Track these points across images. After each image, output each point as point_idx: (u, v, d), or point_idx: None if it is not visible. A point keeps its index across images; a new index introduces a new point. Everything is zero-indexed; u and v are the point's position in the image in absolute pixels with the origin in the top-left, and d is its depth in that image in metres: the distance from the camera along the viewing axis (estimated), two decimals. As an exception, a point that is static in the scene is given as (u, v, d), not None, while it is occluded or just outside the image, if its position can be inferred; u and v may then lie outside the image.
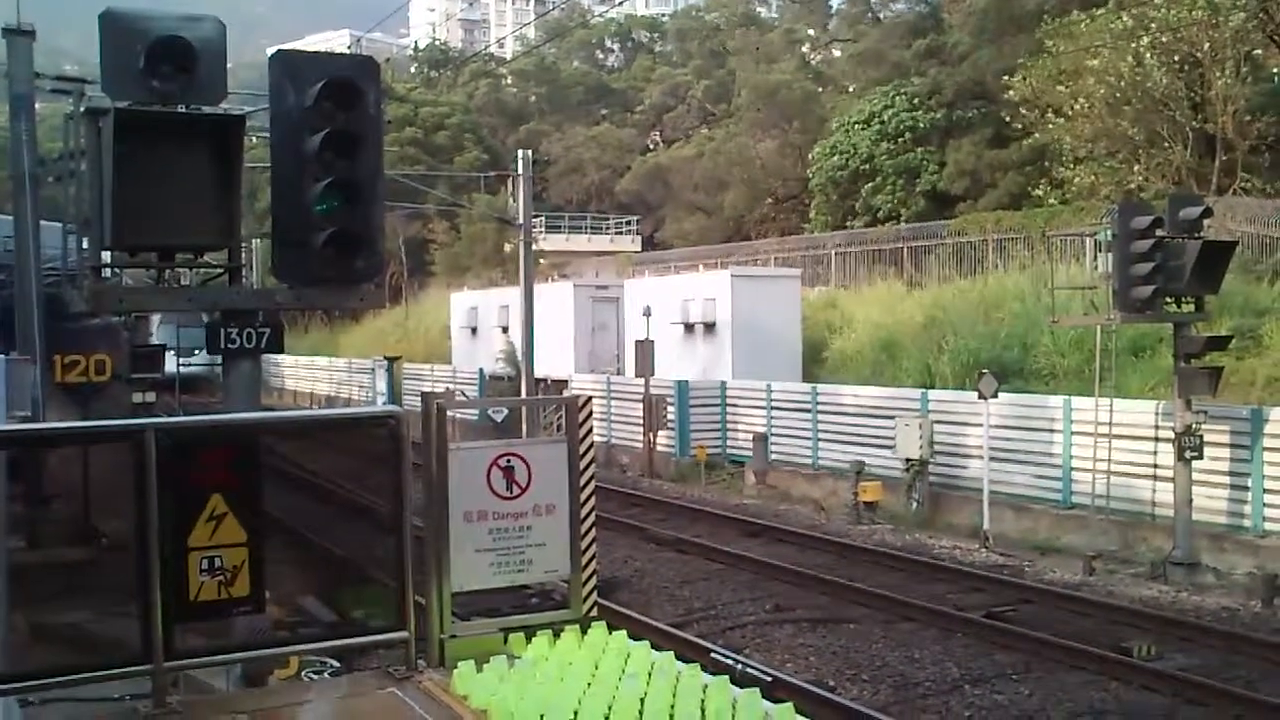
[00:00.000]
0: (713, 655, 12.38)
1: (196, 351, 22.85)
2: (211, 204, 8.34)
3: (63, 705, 5.64)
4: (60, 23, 55.37)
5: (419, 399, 6.33)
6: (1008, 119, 35.98)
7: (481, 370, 36.97)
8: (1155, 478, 17.80)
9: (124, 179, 7.86)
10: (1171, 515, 16.66)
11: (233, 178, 8.39)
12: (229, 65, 8.64)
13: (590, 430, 6.60)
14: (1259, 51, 30.56)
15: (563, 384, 32.12)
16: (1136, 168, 30.96)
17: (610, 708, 5.19)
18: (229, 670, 7.35)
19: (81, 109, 8.42)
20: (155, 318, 24.53)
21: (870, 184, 43.22)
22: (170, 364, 20.90)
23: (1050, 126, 32.39)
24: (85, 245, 8.51)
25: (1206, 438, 16.36)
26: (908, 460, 21.08)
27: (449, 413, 6.32)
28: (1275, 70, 31.74)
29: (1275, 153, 30.66)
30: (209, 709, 5.42)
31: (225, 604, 5.53)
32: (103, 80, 8.07)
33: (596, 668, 5.82)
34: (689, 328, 30.93)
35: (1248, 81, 30.60)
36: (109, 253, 8.59)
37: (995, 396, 19.02)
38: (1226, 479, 17.07)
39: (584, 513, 6.50)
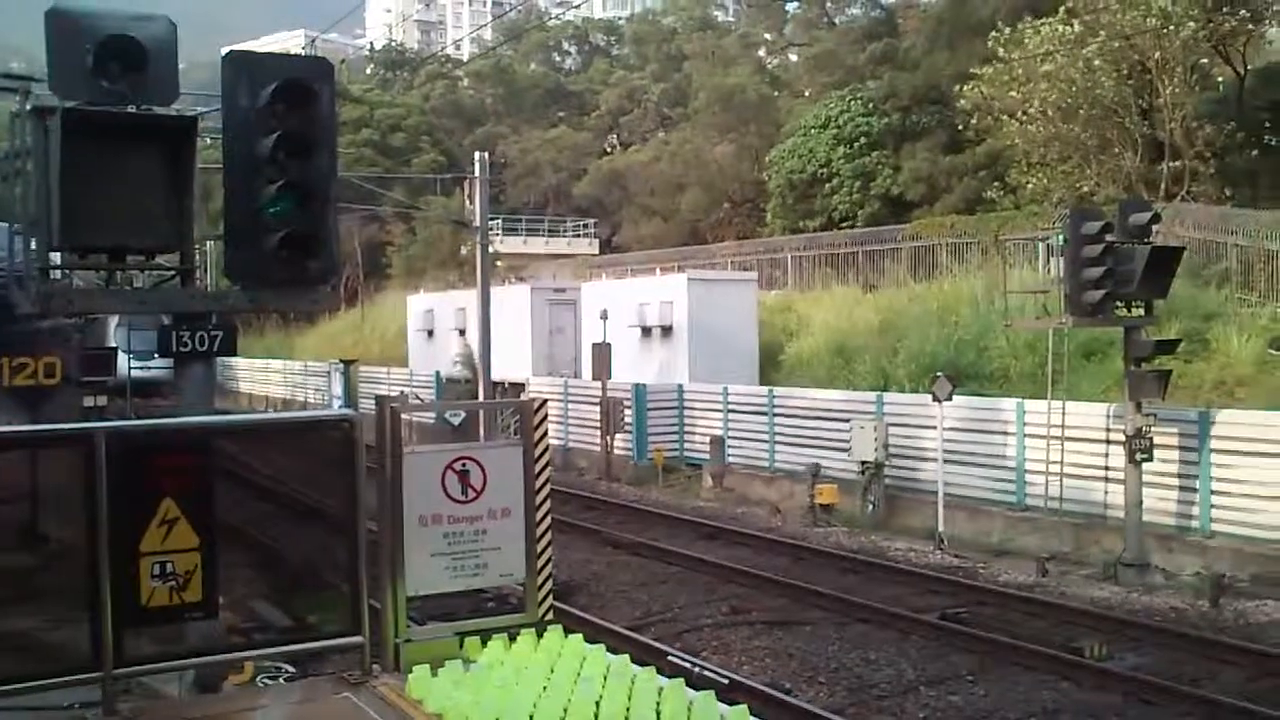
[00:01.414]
0: (670, 658, 12.40)
1: (156, 355, 22.52)
2: (164, 205, 8.24)
3: (11, 714, 5.55)
4: (8, 19, 54.55)
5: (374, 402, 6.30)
6: (961, 127, 36.34)
7: (437, 373, 36.81)
8: (1107, 479, 18.02)
9: (72, 179, 7.75)
10: (1123, 517, 16.88)
11: (185, 179, 8.29)
12: (182, 65, 8.54)
13: (546, 433, 6.60)
14: (1205, 60, 31.08)
15: (520, 387, 32.05)
16: (1088, 172, 31.40)
17: (566, 711, 5.20)
18: (181, 676, 7.27)
19: (28, 108, 8.28)
20: (112, 321, 24.18)
21: (828, 185, 43.52)
22: (124, 367, 20.62)
23: (1004, 130, 32.74)
24: (33, 246, 8.37)
25: (1156, 440, 16.60)
26: (863, 463, 21.22)
27: (406, 416, 6.30)
28: (1221, 79, 32.33)
29: (1222, 160, 31.19)
30: (161, 715, 5.37)
31: (177, 609, 5.49)
32: (50, 79, 7.95)
33: (552, 671, 5.82)
34: (646, 331, 30.97)
35: (1196, 90, 31.12)
36: (58, 254, 8.46)
37: (949, 399, 19.19)
38: (1175, 481, 17.32)
39: (540, 516, 6.50)
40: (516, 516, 6.42)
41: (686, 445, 27.78)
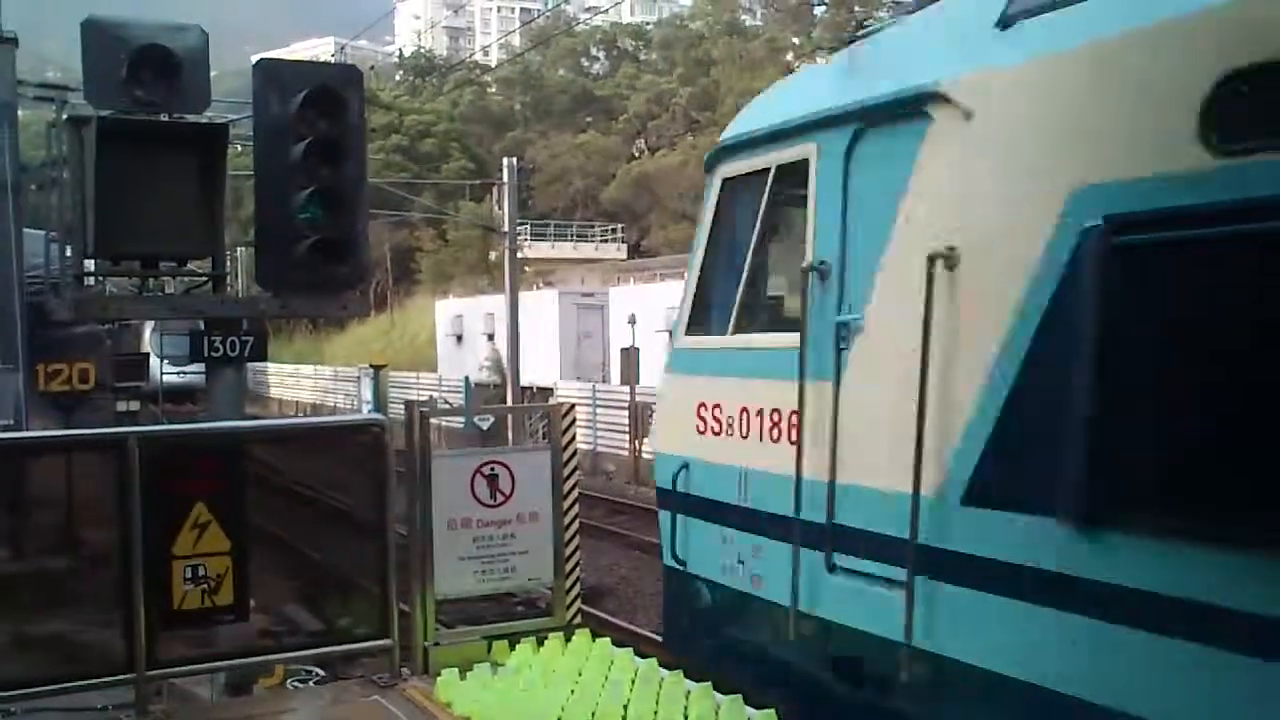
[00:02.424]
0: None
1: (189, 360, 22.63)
2: (195, 212, 8.34)
3: (46, 715, 5.62)
4: (44, 29, 55.25)
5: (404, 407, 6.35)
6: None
7: (467, 378, 36.96)
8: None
9: (107, 187, 7.85)
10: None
11: (217, 186, 8.39)
12: (213, 74, 8.64)
13: (574, 437, 6.62)
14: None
15: (548, 391, 32.12)
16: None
17: (593, 714, 5.22)
18: (213, 679, 7.34)
19: (64, 117, 8.40)
20: (147, 326, 24.43)
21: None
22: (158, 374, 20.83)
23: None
24: (68, 253, 8.48)
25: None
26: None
27: (435, 421, 6.35)
28: None
29: None
30: (193, 717, 5.43)
31: (209, 612, 5.54)
32: (85, 89, 8.06)
33: (580, 675, 5.84)
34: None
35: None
36: (92, 261, 8.57)
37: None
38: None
39: (568, 520, 6.53)
40: (545, 520, 6.44)
41: (715, 449, 27.70)
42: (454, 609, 7.15)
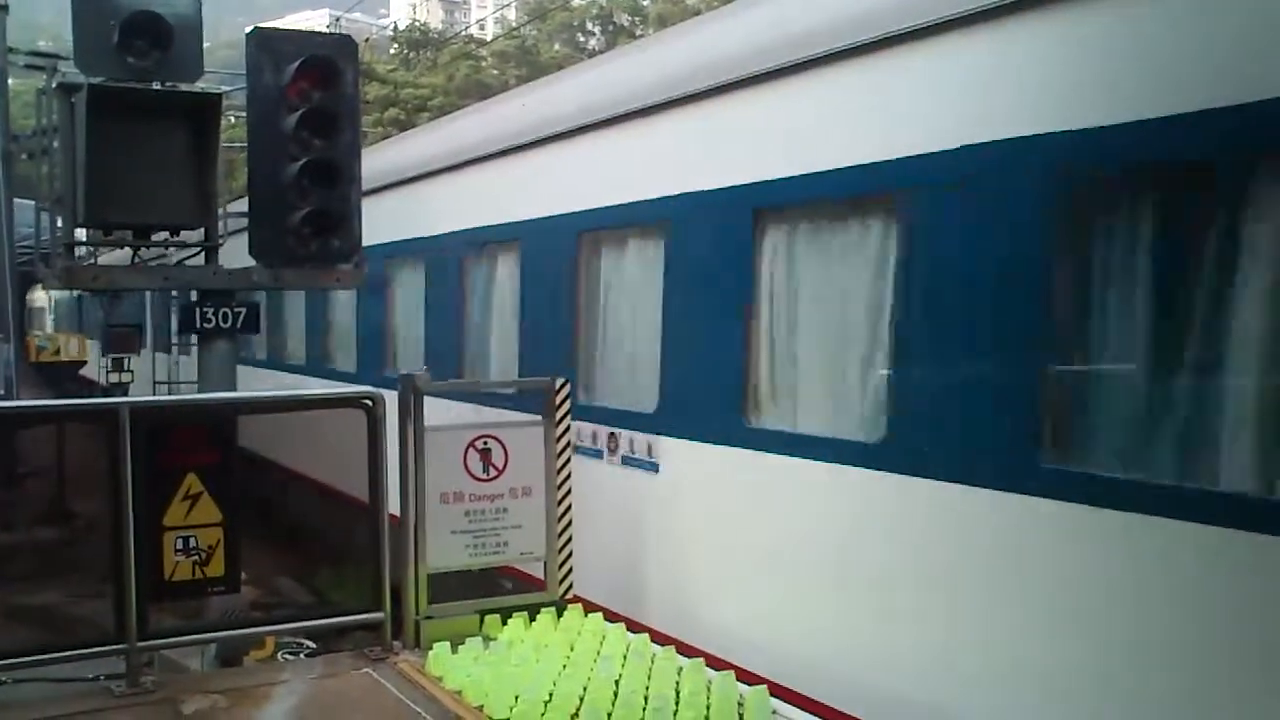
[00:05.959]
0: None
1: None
2: (188, 182, 8.24)
3: (36, 685, 5.61)
4: (35, -2, 54.74)
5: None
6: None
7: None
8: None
9: (98, 156, 7.76)
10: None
11: (210, 156, 8.29)
12: (207, 44, 8.55)
13: (568, 412, 6.60)
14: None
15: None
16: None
17: (585, 689, 5.21)
18: (204, 651, 7.33)
19: (54, 85, 8.30)
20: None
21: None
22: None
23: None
24: (59, 222, 8.39)
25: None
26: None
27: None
28: None
29: None
30: (183, 688, 5.41)
31: (200, 584, 5.53)
32: (76, 56, 7.96)
33: (572, 649, 5.84)
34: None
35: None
36: (83, 230, 8.49)
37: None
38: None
39: (561, 495, 6.52)
40: (538, 495, 6.43)
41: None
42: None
